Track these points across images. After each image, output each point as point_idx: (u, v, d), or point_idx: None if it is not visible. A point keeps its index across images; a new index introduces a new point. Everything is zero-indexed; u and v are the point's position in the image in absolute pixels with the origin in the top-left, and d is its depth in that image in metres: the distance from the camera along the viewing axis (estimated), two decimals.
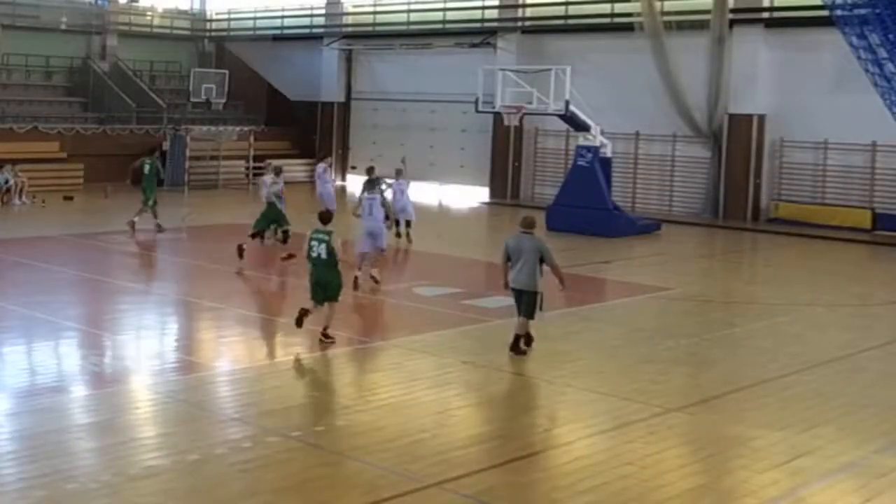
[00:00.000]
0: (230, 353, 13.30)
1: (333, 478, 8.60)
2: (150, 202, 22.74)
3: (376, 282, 17.01)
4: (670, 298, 17.19)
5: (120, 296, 16.57)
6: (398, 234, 22.05)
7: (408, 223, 22.45)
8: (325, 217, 13.42)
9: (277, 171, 20.36)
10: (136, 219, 22.64)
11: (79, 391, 11.27)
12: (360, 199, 17.87)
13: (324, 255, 13.05)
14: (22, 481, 8.23)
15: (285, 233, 19.23)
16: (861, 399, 11.40)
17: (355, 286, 16.40)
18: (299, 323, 13.03)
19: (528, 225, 12.94)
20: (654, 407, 10.75)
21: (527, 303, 12.77)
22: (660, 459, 9.20)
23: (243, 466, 8.72)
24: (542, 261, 12.75)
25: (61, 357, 12.93)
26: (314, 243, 13.18)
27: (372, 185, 18.15)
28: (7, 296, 15.56)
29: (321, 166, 25.90)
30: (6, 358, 12.35)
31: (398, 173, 22.34)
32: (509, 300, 16.43)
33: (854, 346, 13.98)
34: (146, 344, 13.55)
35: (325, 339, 13.07)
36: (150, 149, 26.13)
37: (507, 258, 12.91)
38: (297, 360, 12.71)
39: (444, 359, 12.57)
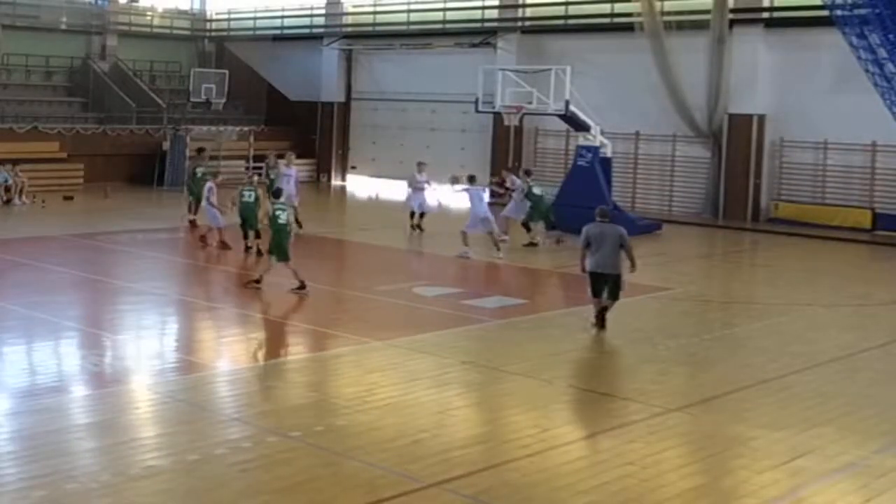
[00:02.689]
0: (230, 353, 13.31)
1: (333, 478, 8.60)
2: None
3: (501, 242, 21.08)
4: (670, 298, 17.18)
5: (120, 296, 16.56)
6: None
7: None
8: (279, 193, 17.54)
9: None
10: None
11: (79, 391, 11.26)
12: (468, 191, 21.35)
13: (286, 222, 16.35)
14: (22, 481, 8.23)
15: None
16: (861, 399, 11.39)
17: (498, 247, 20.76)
18: (256, 282, 16.48)
19: (604, 214, 14.35)
20: (654, 407, 10.75)
21: (613, 285, 14.02)
22: (660, 459, 9.20)
23: (243, 466, 8.71)
24: (621, 246, 14.00)
25: (61, 357, 12.93)
26: (279, 213, 16.47)
27: (472, 179, 21.70)
28: (7, 296, 15.56)
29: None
30: (6, 358, 12.36)
31: (471, 180, 21.82)
32: (509, 300, 16.61)
33: (854, 346, 13.97)
34: (146, 344, 13.53)
35: (257, 285, 16.45)
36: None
37: (587, 244, 14.03)
38: (297, 360, 12.72)
39: (444, 359, 12.57)
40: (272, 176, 23.14)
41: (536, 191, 22.72)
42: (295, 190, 23.84)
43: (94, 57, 37.01)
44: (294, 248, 16.55)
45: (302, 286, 16.24)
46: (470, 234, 20.84)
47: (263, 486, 8.33)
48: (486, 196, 21.81)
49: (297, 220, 23.65)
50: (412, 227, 24.12)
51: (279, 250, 16.38)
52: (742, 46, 27.73)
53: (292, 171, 24.12)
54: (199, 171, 23.29)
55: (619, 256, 14.05)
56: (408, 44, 35.02)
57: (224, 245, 20.66)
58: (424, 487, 8.35)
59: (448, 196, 26.39)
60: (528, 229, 22.54)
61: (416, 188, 24.43)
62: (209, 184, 21.23)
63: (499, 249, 20.75)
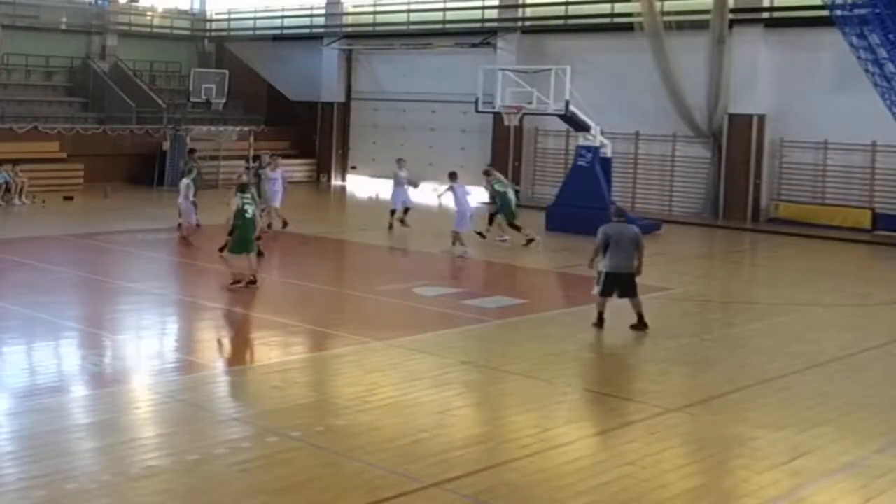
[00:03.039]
0: (230, 353, 13.32)
1: (333, 478, 8.60)
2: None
3: (501, 242, 22.20)
4: (670, 298, 17.18)
5: (120, 296, 16.56)
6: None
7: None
8: (244, 187, 17.30)
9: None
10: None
11: (79, 391, 11.26)
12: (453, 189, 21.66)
13: (252, 216, 16.49)
14: (22, 481, 8.23)
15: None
16: (861, 399, 11.39)
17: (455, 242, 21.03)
18: (252, 282, 16.35)
19: (620, 214, 14.61)
20: (654, 407, 10.75)
21: (631, 284, 14.07)
22: (660, 459, 9.20)
23: (243, 466, 8.71)
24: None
25: (61, 357, 12.93)
26: (247, 206, 16.46)
27: (454, 176, 22.01)
28: (7, 296, 15.55)
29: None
30: (6, 358, 12.36)
31: (452, 177, 22.17)
32: (509, 300, 16.59)
33: (854, 346, 13.97)
34: (146, 344, 13.54)
35: (252, 285, 16.29)
36: None
37: (606, 244, 13.96)
38: (297, 360, 12.72)
39: (444, 359, 12.57)
40: (262, 176, 23.17)
41: (498, 187, 22.78)
42: (281, 192, 23.64)
43: (94, 57, 37.01)
44: (292, 248, 16.58)
45: (251, 281, 16.43)
46: (463, 233, 20.88)
47: (263, 486, 8.32)
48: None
49: (282, 221, 23.73)
50: (395, 223, 24.25)
51: (244, 242, 16.47)
52: (742, 46, 27.73)
53: (278, 175, 23.89)
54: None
55: (634, 256, 14.12)
56: (408, 44, 35.03)
57: (187, 240, 21.09)
58: (424, 487, 8.35)
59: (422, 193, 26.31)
60: (518, 228, 22.33)
61: (398, 184, 24.61)
62: (185, 180, 21.82)
63: (462, 244, 20.87)
